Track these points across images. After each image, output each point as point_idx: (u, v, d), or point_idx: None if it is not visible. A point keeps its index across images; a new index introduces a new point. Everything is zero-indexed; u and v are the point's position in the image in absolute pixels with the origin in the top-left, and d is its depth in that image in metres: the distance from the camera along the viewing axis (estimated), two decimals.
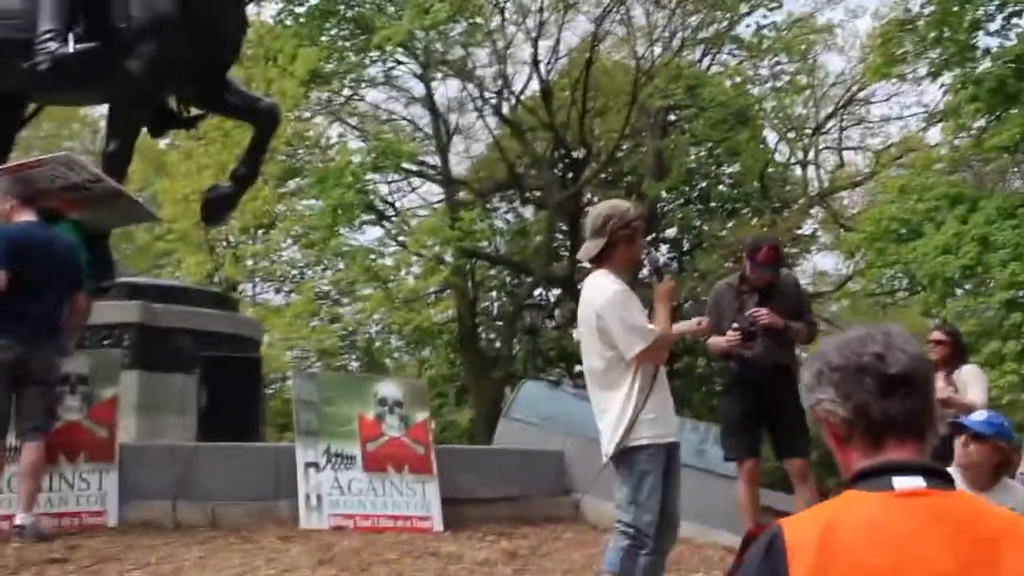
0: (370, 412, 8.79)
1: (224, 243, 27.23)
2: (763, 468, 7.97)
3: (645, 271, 5.90)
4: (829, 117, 30.70)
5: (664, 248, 33.06)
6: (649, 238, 31.62)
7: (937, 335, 8.02)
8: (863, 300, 28.32)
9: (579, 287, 25.68)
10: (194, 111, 11.23)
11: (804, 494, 7.36)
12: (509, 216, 32.77)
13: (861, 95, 30.39)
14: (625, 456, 5.30)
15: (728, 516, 8.30)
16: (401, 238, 27.15)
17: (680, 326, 7.42)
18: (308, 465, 8.25)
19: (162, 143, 25.52)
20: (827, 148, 31.54)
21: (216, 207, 10.98)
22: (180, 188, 23.82)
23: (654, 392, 5.33)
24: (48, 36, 9.51)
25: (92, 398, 7.99)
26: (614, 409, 5.33)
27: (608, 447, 5.35)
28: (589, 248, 5.57)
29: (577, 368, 33.12)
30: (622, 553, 5.29)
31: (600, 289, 5.47)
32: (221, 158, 23.56)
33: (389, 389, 9.15)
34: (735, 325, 7.38)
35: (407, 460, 8.65)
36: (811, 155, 31.12)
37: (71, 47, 9.41)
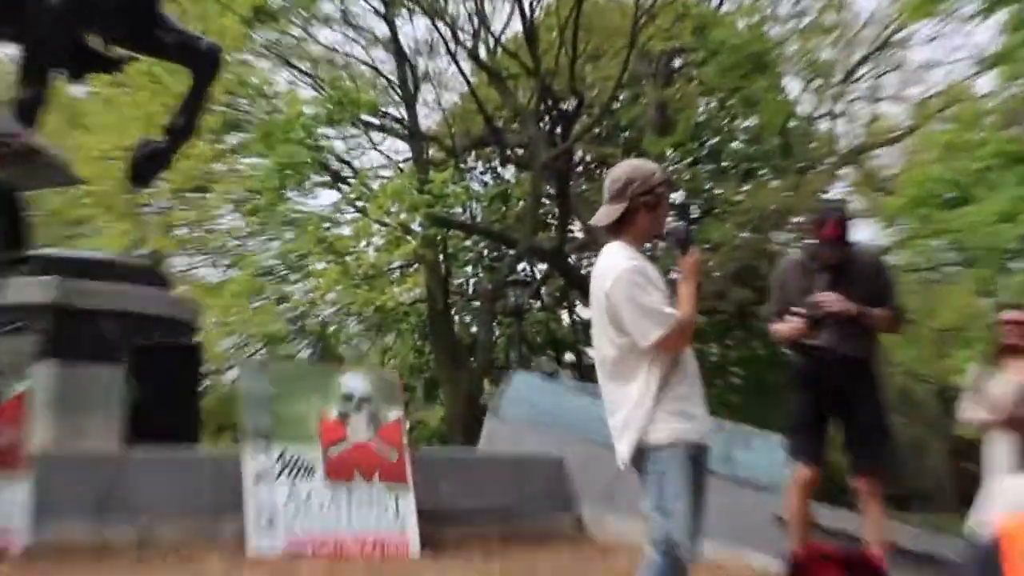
0: (333, 410, 8.72)
1: (151, 209, 26.94)
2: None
3: (668, 242, 5.78)
4: (861, 62, 30.62)
5: (669, 216, 33.00)
6: None
7: (1015, 314, 8.01)
8: (905, 276, 28.30)
9: (569, 261, 25.60)
10: (119, 52, 11.09)
11: (872, 516, 7.25)
12: (487, 178, 32.71)
13: (898, 37, 30.32)
14: (641, 458, 5.25)
15: (762, 534, 8.20)
16: (360, 203, 26.92)
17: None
18: (259, 475, 8.14)
19: (79, 90, 25.26)
20: (859, 98, 31.50)
21: (145, 166, 10.88)
22: (100, 144, 23.50)
23: (677, 384, 5.24)
24: None
25: None
26: (627, 405, 5.28)
27: (622, 449, 5.29)
28: (605, 214, 5.51)
29: (569, 356, 33.24)
30: (656, 571, 5.17)
31: (612, 265, 5.40)
32: (150, 108, 23.26)
33: (355, 382, 9.04)
34: (797, 310, 7.28)
35: (377, 467, 8.59)
36: (840, 106, 31.10)
37: None
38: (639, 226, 5.47)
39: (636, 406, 5.24)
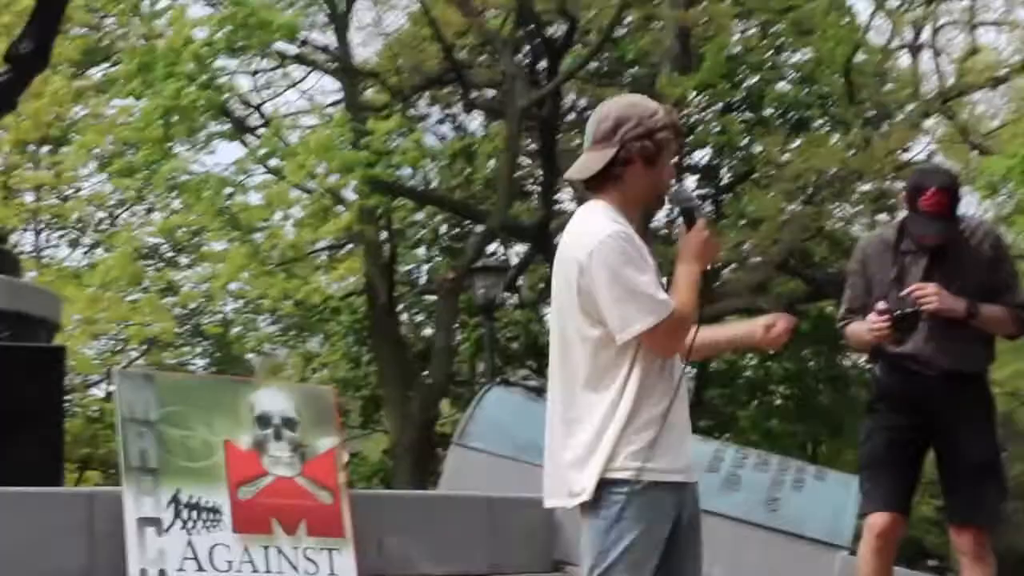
0: (243, 437, 8.67)
1: None
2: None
3: (668, 210, 5.82)
4: None
5: (692, 180, 33.15)
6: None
7: None
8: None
9: (556, 241, 25.83)
10: None
11: None
12: (446, 128, 32.75)
13: None
14: (597, 496, 5.14)
15: None
16: (275, 162, 26.94)
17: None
18: (144, 522, 8.11)
19: None
20: (950, 23, 31.66)
21: None
22: None
23: (660, 399, 5.18)
24: None
25: None
26: (592, 421, 5.18)
27: (582, 482, 5.19)
28: (586, 163, 5.38)
29: None
30: None
31: (591, 229, 5.26)
32: None
33: (274, 400, 9.03)
34: (881, 306, 7.19)
35: (305, 514, 8.57)
36: (925, 35, 31.23)
37: None
38: (631, 183, 5.32)
39: (600, 427, 5.14)
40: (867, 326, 7.21)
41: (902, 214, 7.53)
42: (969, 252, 7.33)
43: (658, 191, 5.41)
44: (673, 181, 5.43)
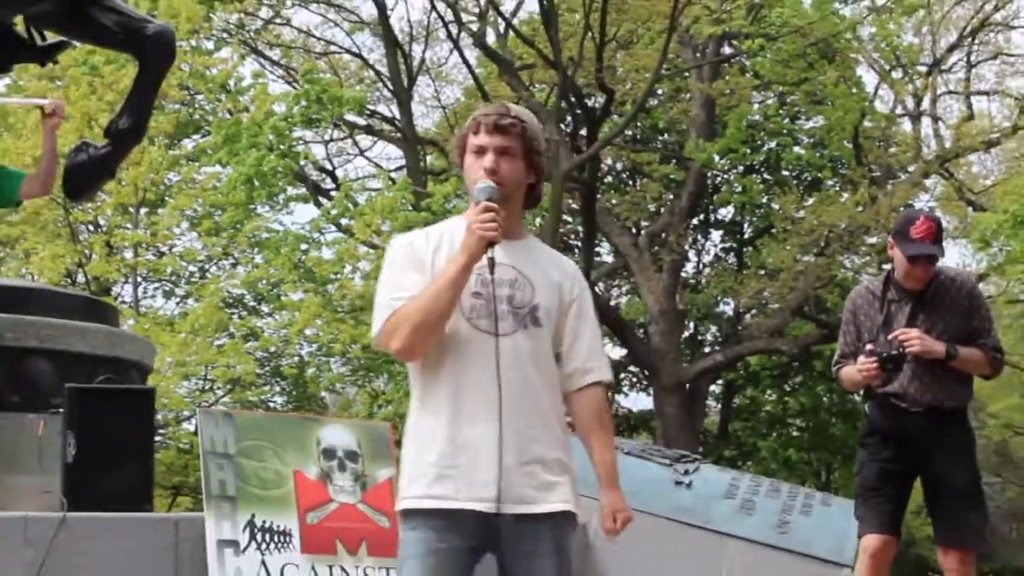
0: (311, 468, 8.69)
1: (92, 227, 27.07)
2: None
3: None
4: (952, 49, 30.67)
5: (716, 235, 33.09)
6: (695, 220, 31.66)
7: None
8: (1003, 308, 28.31)
9: (597, 290, 25.56)
10: (51, 38, 11.14)
11: None
12: None
13: (998, 16, 30.39)
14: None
15: None
16: (344, 221, 27.02)
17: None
18: (223, 544, 8.14)
19: (2, 85, 25.42)
20: (949, 93, 31.55)
21: (84, 176, 10.88)
22: (28, 148, 23.64)
23: (429, 413, 4.64)
24: None
25: None
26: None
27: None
28: None
29: None
30: None
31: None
32: (87, 106, 23.44)
33: (338, 435, 9.05)
34: (869, 348, 7.24)
35: (365, 536, 8.59)
36: (926, 103, 31.11)
37: None
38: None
39: (405, 449, 4.75)
40: (857, 367, 7.25)
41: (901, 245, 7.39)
42: (949, 300, 7.37)
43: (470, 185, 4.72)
44: (479, 179, 4.65)
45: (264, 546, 8.26)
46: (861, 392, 7.70)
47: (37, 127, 23.93)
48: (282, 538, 8.35)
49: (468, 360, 4.54)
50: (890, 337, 7.24)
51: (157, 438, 23.87)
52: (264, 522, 8.34)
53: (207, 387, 27.48)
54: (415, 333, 4.50)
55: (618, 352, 33.59)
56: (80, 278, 25.86)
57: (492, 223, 4.47)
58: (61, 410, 9.18)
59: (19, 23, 10.62)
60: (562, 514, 4.65)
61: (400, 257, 4.72)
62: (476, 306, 4.56)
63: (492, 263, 4.49)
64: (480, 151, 4.67)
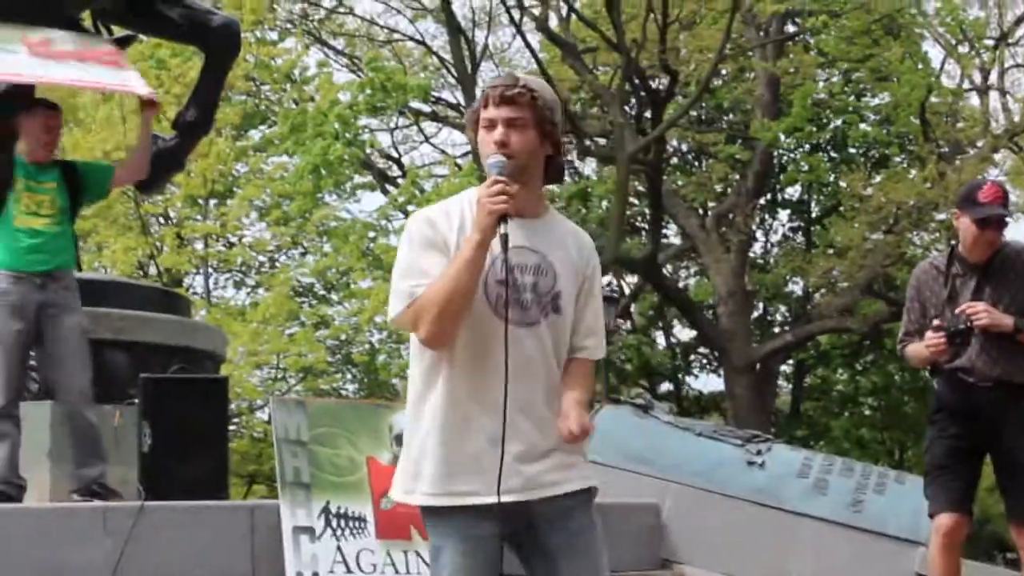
0: (384, 454, 8.70)
1: (163, 219, 27.28)
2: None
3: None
4: (1020, 21, 30.39)
5: (784, 214, 32.93)
6: (762, 200, 31.53)
7: None
8: None
9: (664, 272, 25.47)
10: (117, 32, 11.21)
11: None
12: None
13: None
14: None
15: None
16: (411, 207, 27.07)
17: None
18: (299, 531, 8.17)
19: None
20: (1017, 66, 31.28)
21: (154, 168, 10.96)
22: (98, 142, 23.86)
23: (460, 407, 4.47)
24: None
25: None
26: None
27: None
28: None
29: (666, 387, 33.24)
30: None
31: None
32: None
33: None
34: (936, 323, 7.17)
35: None
36: (993, 77, 30.85)
37: None
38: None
39: (409, 435, 4.66)
40: (925, 343, 7.17)
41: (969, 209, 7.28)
42: (1015, 273, 7.28)
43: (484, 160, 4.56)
44: (491, 155, 4.49)
45: (339, 532, 8.28)
46: (928, 368, 7.61)
47: (106, 121, 24.25)
48: (357, 524, 8.36)
49: (490, 349, 4.38)
50: (956, 311, 7.16)
51: (231, 427, 24.01)
52: (339, 508, 8.36)
53: (279, 376, 27.66)
54: (441, 320, 4.34)
55: (687, 334, 33.57)
56: (152, 270, 26.07)
57: (502, 196, 4.30)
58: (136, 401, 9.27)
59: (86, 19, 10.71)
60: (586, 491, 4.56)
61: (419, 235, 4.48)
62: (502, 294, 4.39)
63: (505, 239, 4.31)
64: (491, 124, 4.48)
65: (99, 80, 9.38)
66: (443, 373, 4.44)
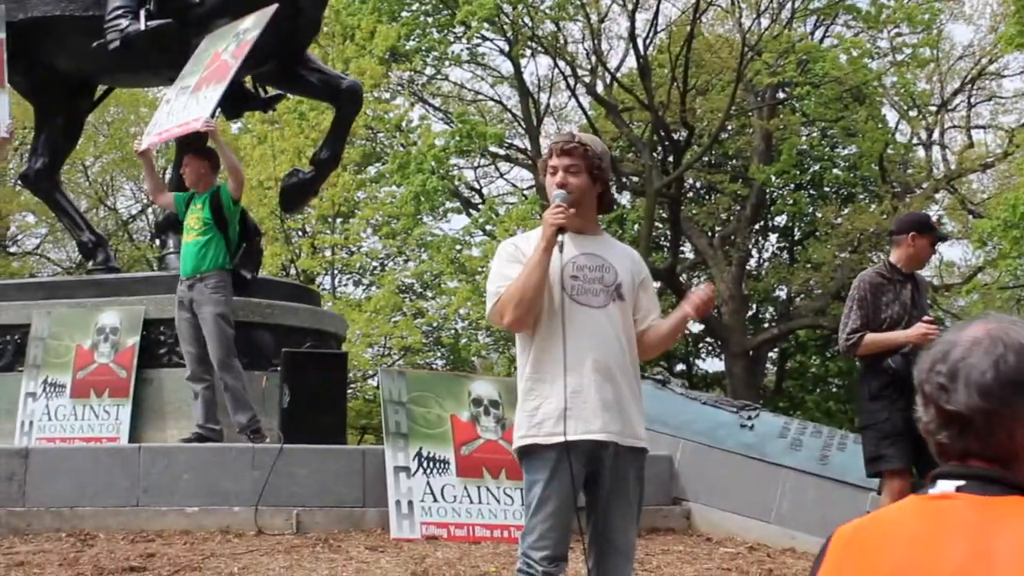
0: (464, 413, 8.77)
1: (301, 232, 27.47)
2: None
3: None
4: (956, 93, 30.19)
5: (773, 237, 32.73)
6: (757, 226, 31.37)
7: None
8: (996, 293, 27.75)
9: (680, 280, 25.27)
10: (271, 91, 11.32)
11: None
12: None
13: (992, 68, 29.86)
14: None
15: None
16: (489, 227, 27.15)
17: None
18: (398, 469, 8.25)
19: (234, 127, 25.83)
20: (954, 127, 31.05)
21: (295, 194, 11.06)
22: (254, 174, 24.05)
23: (547, 371, 4.56)
24: (118, 13, 9.66)
25: None
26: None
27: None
28: None
29: (680, 367, 33.08)
30: None
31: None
32: (297, 142, 23.81)
33: (484, 388, 9.13)
34: (927, 317, 7.26)
35: (504, 465, 8.57)
36: (936, 135, 30.65)
37: (142, 24, 9.54)
38: None
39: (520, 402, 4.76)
40: (921, 332, 7.04)
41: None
42: (921, 280, 7.64)
43: (550, 196, 4.72)
44: (555, 191, 4.66)
45: (428, 471, 8.36)
46: (888, 353, 7.39)
47: (261, 159, 24.45)
48: (442, 465, 8.43)
49: (574, 327, 4.51)
50: (928, 321, 7.25)
51: (349, 390, 24.17)
52: (429, 453, 8.44)
53: (386, 353, 27.77)
54: (518, 307, 4.49)
55: (697, 327, 33.36)
56: (292, 271, 26.21)
57: (561, 214, 4.49)
58: (278, 369, 9.39)
59: (248, 81, 10.84)
60: (642, 449, 4.71)
61: (507, 254, 4.69)
62: (575, 286, 4.57)
63: (561, 246, 4.50)
64: (554, 171, 4.66)
65: (170, 129, 9.38)
66: (533, 348, 4.59)
